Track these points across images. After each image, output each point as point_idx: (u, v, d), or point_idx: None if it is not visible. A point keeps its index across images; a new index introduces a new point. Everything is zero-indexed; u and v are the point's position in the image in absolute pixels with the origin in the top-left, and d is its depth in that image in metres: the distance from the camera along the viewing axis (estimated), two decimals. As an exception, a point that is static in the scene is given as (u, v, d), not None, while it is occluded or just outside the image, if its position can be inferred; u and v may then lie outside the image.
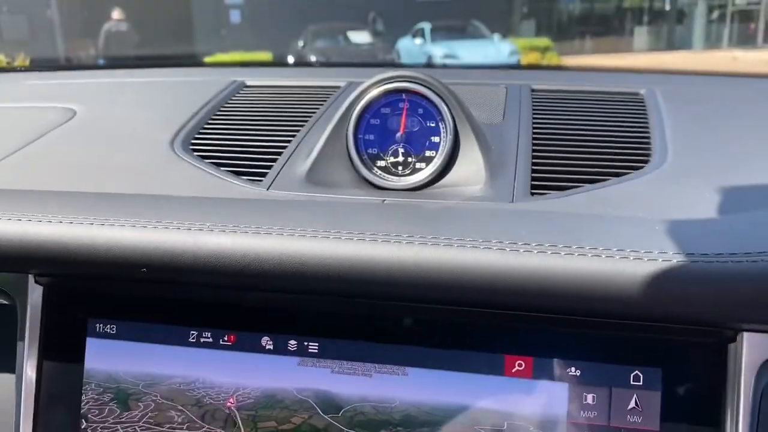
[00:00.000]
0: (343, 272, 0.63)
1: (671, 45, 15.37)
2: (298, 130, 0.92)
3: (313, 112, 0.97)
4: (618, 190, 0.74)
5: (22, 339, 0.76)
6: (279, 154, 0.86)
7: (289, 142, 0.89)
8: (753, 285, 0.56)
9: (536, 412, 0.65)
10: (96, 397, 0.73)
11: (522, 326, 0.66)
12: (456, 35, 12.64)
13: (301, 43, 12.62)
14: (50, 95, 1.16)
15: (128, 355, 0.73)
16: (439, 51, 11.85)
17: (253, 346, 0.70)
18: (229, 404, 0.70)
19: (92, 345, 0.74)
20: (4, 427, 0.77)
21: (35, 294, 0.76)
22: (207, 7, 16.45)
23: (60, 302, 0.76)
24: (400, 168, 0.78)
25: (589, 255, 0.59)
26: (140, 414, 0.72)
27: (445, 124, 0.78)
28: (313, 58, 11.50)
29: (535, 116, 0.93)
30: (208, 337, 0.71)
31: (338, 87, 1.07)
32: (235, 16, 16.18)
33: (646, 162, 0.80)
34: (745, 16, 15.62)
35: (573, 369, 0.64)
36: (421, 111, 0.78)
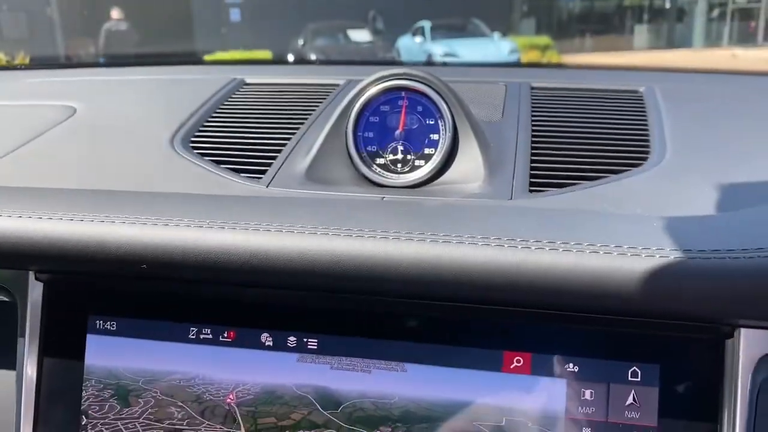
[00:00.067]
0: (342, 269, 0.63)
1: (671, 43, 15.35)
2: (297, 128, 0.92)
3: (313, 110, 0.98)
4: (616, 187, 0.75)
5: (23, 335, 0.76)
6: (279, 151, 0.86)
7: (288, 139, 0.89)
8: (750, 281, 0.56)
9: (535, 408, 0.65)
10: (96, 393, 0.74)
11: (520, 322, 0.66)
12: (456, 34, 12.62)
13: (301, 42, 12.60)
14: (50, 93, 1.16)
15: (128, 351, 0.73)
16: (439, 49, 11.84)
17: (253, 343, 0.71)
18: (228, 400, 0.71)
19: (92, 341, 0.74)
20: (5, 423, 0.78)
21: (35, 291, 0.76)
22: (207, 6, 16.44)
23: (60, 299, 0.76)
24: (399, 165, 0.79)
25: (587, 251, 0.59)
26: (140, 410, 0.72)
27: (444, 121, 0.78)
28: (313, 57, 11.49)
29: (534, 114, 0.93)
30: (208, 334, 0.72)
31: (338, 85, 1.08)
32: (234, 15, 16.17)
33: (644, 159, 0.80)
34: (746, 14, 15.61)
35: (571, 365, 0.64)
36: (420, 109, 0.79)
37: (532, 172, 0.78)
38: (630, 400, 0.63)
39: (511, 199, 0.74)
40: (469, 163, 0.78)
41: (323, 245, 0.64)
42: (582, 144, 0.84)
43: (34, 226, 0.69)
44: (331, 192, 0.77)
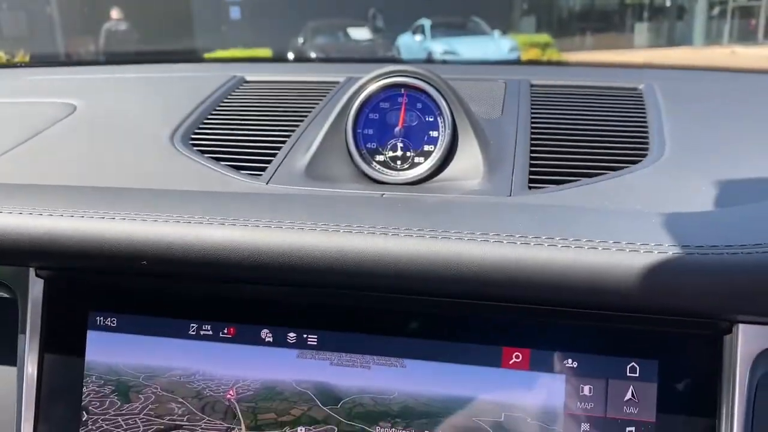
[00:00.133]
0: (342, 265, 0.64)
1: (671, 41, 15.34)
2: (297, 125, 0.92)
3: (313, 107, 0.98)
4: (615, 183, 0.75)
5: (23, 332, 0.76)
6: (278, 148, 0.86)
7: (288, 136, 0.89)
8: (748, 276, 0.56)
9: (533, 404, 0.65)
10: (97, 389, 0.74)
11: (519, 318, 0.66)
12: (456, 32, 12.61)
13: (301, 40, 12.59)
14: (50, 90, 1.16)
15: (129, 347, 0.73)
16: (439, 47, 11.82)
17: (253, 339, 0.71)
18: (229, 396, 0.71)
19: (93, 338, 0.75)
20: (6, 419, 0.78)
21: (36, 287, 0.76)
22: (207, 5, 16.43)
23: (61, 295, 0.76)
24: (398, 162, 0.79)
25: (586, 247, 0.59)
26: (141, 406, 0.73)
27: (443, 118, 0.78)
28: (312, 55, 11.48)
29: (533, 111, 0.93)
30: (208, 330, 0.72)
31: (337, 82, 1.08)
32: (234, 13, 16.16)
33: (643, 156, 0.81)
34: (746, 12, 15.60)
35: (570, 361, 0.65)
36: (419, 106, 0.79)
37: (532, 168, 0.79)
38: (628, 395, 0.64)
39: (511, 195, 0.74)
40: (469, 160, 0.78)
41: (323, 241, 0.64)
42: (581, 141, 0.84)
43: (35, 222, 0.70)
44: (330, 189, 0.77)
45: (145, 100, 1.13)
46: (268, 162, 0.83)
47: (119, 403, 0.73)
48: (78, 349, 0.75)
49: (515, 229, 0.62)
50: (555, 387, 0.65)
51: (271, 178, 0.80)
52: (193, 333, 0.72)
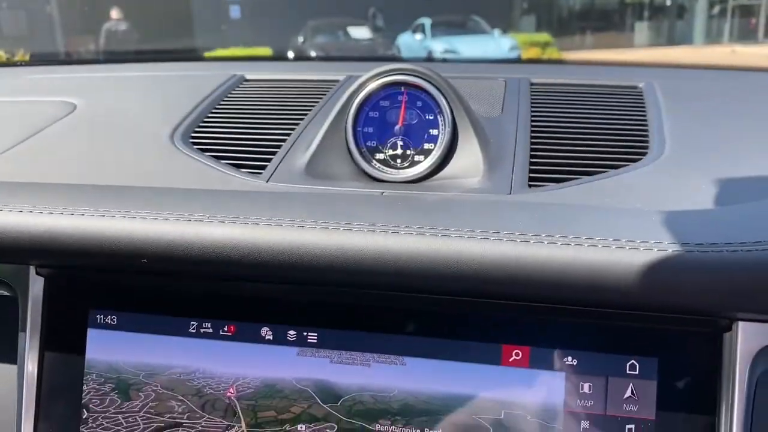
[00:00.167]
0: (342, 263, 0.64)
1: (672, 40, 15.34)
2: (297, 124, 0.92)
3: (313, 106, 0.98)
4: (615, 181, 0.75)
5: (24, 330, 0.77)
6: (278, 147, 0.86)
7: (288, 135, 0.89)
8: (748, 274, 0.57)
9: (533, 401, 0.65)
10: (97, 387, 0.74)
11: (519, 316, 0.66)
12: (456, 30, 12.60)
13: (301, 39, 12.59)
14: (50, 89, 1.16)
15: (129, 345, 0.74)
16: (439, 46, 11.81)
17: (253, 337, 0.71)
18: (229, 394, 0.71)
19: (93, 336, 0.75)
20: (7, 417, 0.78)
21: (36, 285, 0.76)
22: (207, 4, 16.43)
23: (61, 293, 0.76)
24: (398, 161, 0.79)
25: (586, 245, 0.60)
26: (141, 404, 0.73)
27: (443, 116, 0.78)
28: (313, 54, 11.47)
29: (533, 109, 0.93)
30: (208, 328, 0.72)
31: (337, 81, 1.08)
32: (234, 12, 16.16)
33: (643, 154, 0.81)
34: (746, 11, 15.60)
35: (570, 358, 0.65)
36: (419, 104, 0.79)
37: (532, 167, 0.79)
38: (628, 393, 0.64)
39: (511, 193, 0.74)
40: (469, 158, 0.78)
41: (323, 239, 0.64)
42: (581, 139, 0.84)
43: (35, 220, 0.70)
44: (330, 187, 0.77)
45: (145, 98, 1.13)
46: (268, 160, 0.83)
47: (119, 401, 0.73)
48: (78, 347, 0.75)
49: (515, 227, 0.63)
50: (555, 384, 0.65)
51: (271, 176, 0.80)
52: (193, 331, 0.72)
